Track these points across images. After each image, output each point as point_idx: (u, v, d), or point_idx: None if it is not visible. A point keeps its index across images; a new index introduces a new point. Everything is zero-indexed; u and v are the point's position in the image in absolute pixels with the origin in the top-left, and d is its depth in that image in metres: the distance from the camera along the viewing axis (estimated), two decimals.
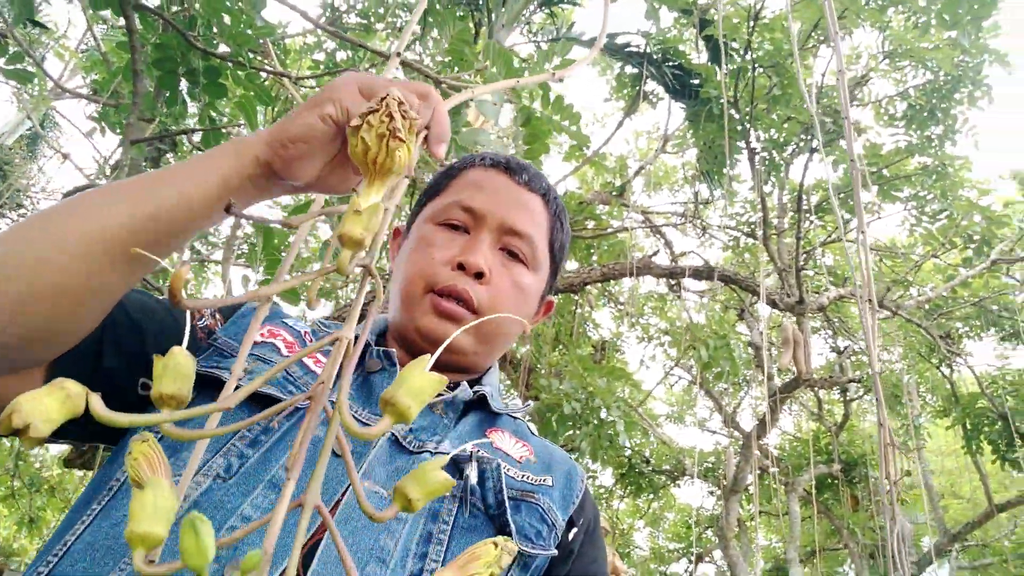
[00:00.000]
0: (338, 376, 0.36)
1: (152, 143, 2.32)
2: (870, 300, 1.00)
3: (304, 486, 0.32)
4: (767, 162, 5.31)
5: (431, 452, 0.68)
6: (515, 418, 0.84)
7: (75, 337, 0.59)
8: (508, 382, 7.96)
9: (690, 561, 10.76)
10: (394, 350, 0.76)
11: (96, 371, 0.63)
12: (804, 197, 5.03)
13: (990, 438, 7.10)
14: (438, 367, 0.78)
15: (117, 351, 0.64)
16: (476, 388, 0.79)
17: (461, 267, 0.76)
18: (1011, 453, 6.85)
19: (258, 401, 0.65)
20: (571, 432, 4.98)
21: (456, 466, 0.67)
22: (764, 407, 6.18)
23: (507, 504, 0.66)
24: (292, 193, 0.63)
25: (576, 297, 7.08)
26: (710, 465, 9.33)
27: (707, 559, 10.70)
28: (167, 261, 0.59)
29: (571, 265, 6.75)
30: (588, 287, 6.64)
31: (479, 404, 0.79)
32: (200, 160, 0.58)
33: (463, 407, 0.78)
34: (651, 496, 10.09)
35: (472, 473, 0.66)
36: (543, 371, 6.69)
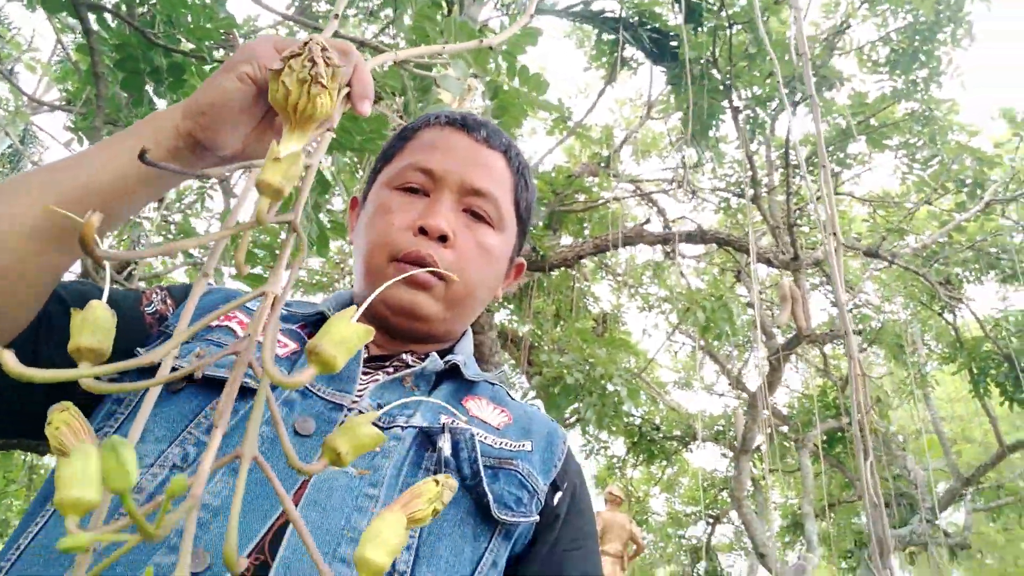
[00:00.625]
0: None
1: None
2: (834, 233, 0.99)
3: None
4: (752, 120, 5.27)
5: (402, 427, 0.65)
6: (493, 384, 0.81)
7: (10, 330, 0.58)
8: (512, 361, 7.99)
9: (707, 523, 10.85)
10: None
11: (35, 365, 0.62)
12: (792, 152, 4.99)
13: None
14: (407, 338, 0.77)
15: (53, 342, 0.62)
16: (448, 357, 0.76)
17: (423, 231, 0.73)
18: (1019, 394, 6.87)
19: (207, 384, 0.62)
20: (576, 404, 5.01)
21: (429, 439, 0.65)
22: (763, 364, 6.19)
23: (483, 473, 0.64)
24: (219, 165, 0.60)
25: (573, 272, 7.07)
26: (720, 428, 9.38)
27: (724, 520, 10.80)
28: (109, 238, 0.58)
29: (564, 240, 6.74)
30: (583, 260, 6.63)
31: (453, 373, 0.77)
32: (120, 137, 0.56)
33: (435, 378, 0.75)
34: (664, 462, 10.16)
35: (445, 445, 0.64)
36: (545, 347, 6.70)
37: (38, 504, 0.59)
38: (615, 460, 10.43)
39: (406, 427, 0.66)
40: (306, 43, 0.38)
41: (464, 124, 0.80)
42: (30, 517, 0.58)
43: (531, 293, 6.79)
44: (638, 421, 9.06)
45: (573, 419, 6.21)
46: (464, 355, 0.80)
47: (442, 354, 0.77)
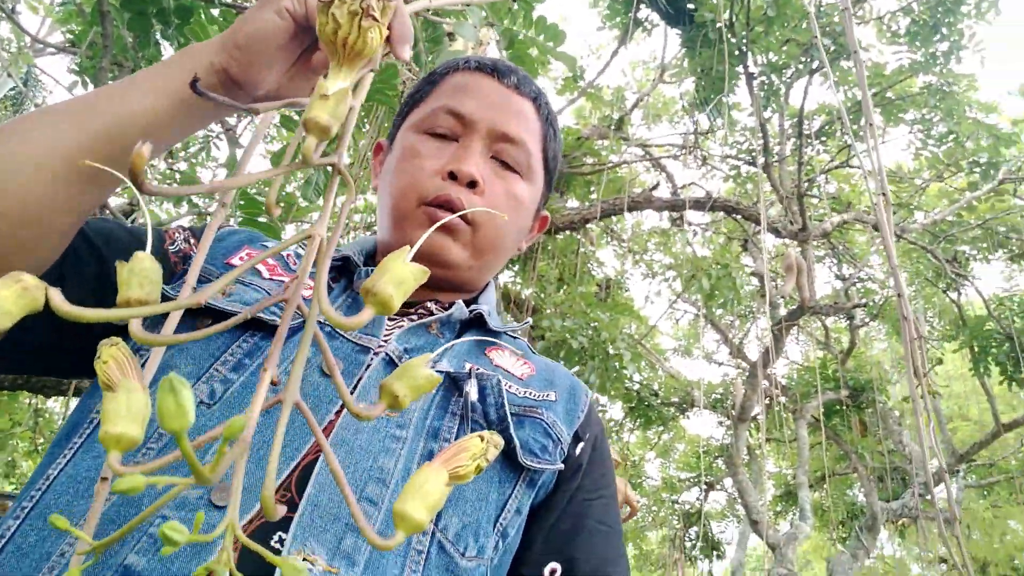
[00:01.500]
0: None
1: None
2: (884, 194, 0.96)
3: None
4: (766, 87, 5.18)
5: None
6: (515, 337, 0.82)
7: (35, 269, 0.56)
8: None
9: (701, 489, 11.00)
10: None
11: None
12: (805, 121, 4.92)
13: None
14: (431, 285, 0.76)
15: (80, 281, 0.61)
16: (473, 307, 0.76)
17: (452, 176, 0.72)
18: (1018, 374, 6.90)
19: (237, 324, 0.63)
20: (579, 367, 5.03)
21: (455, 384, 0.66)
22: (767, 335, 6.20)
23: (509, 419, 0.65)
24: (253, 104, 0.60)
25: (579, 236, 7.04)
26: (718, 396, 9.45)
27: (718, 487, 10.95)
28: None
29: (571, 203, 6.69)
30: (589, 225, 6.59)
31: (476, 323, 0.77)
32: (151, 72, 0.54)
33: (459, 326, 0.76)
34: (661, 428, 10.26)
35: (472, 390, 0.65)
36: (548, 311, 6.71)
37: (64, 436, 0.59)
38: (612, 424, 10.55)
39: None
40: None
41: (495, 69, 0.79)
42: (57, 448, 0.58)
43: (536, 255, 6.77)
44: (637, 387, 9.13)
45: None
46: (488, 305, 0.80)
47: (467, 304, 0.77)
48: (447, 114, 0.75)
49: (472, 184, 0.72)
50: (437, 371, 0.66)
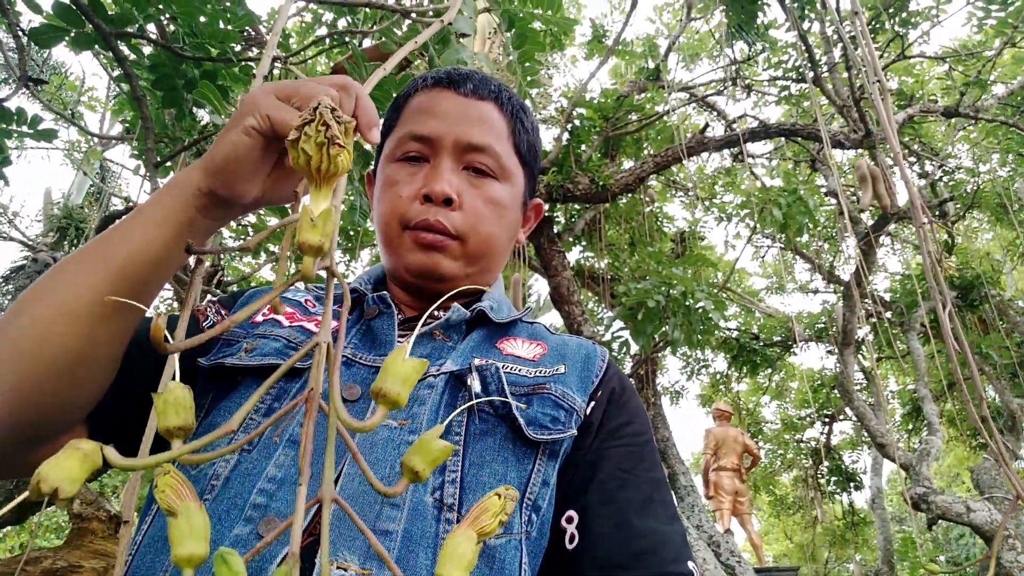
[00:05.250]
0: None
1: (176, 161, 2.44)
2: (879, 81, 0.95)
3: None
4: None
5: (434, 375, 0.70)
6: (531, 323, 0.86)
7: (97, 392, 0.64)
8: (595, 298, 7.97)
9: (823, 423, 10.63)
10: (386, 293, 0.79)
11: (128, 407, 0.69)
12: (846, 21, 4.65)
13: None
14: (436, 298, 0.81)
15: (137, 378, 0.68)
16: (475, 306, 0.80)
17: (428, 198, 0.76)
18: None
19: (262, 372, 0.68)
20: (665, 328, 4.98)
21: (460, 380, 0.70)
22: (854, 251, 5.92)
23: (512, 402, 0.69)
24: (246, 213, 0.65)
25: (640, 196, 6.92)
26: (822, 326, 9.10)
27: (840, 417, 10.55)
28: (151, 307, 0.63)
29: (626, 164, 6.59)
30: (649, 181, 6.47)
31: (483, 320, 0.80)
32: (148, 207, 0.60)
33: (466, 326, 0.79)
34: (769, 370, 9.98)
35: (474, 383, 0.69)
36: (626, 277, 6.64)
37: (147, 504, 0.66)
38: (719, 376, 10.34)
39: (438, 374, 0.71)
40: (316, 108, 0.39)
41: (450, 81, 0.81)
42: (143, 516, 0.65)
43: (600, 226, 6.72)
44: (735, 334, 8.92)
45: (663, 343, 6.17)
46: (492, 301, 0.83)
47: (468, 305, 0.81)
48: (412, 139, 0.79)
49: (448, 201, 0.76)
50: (443, 372, 0.71)
